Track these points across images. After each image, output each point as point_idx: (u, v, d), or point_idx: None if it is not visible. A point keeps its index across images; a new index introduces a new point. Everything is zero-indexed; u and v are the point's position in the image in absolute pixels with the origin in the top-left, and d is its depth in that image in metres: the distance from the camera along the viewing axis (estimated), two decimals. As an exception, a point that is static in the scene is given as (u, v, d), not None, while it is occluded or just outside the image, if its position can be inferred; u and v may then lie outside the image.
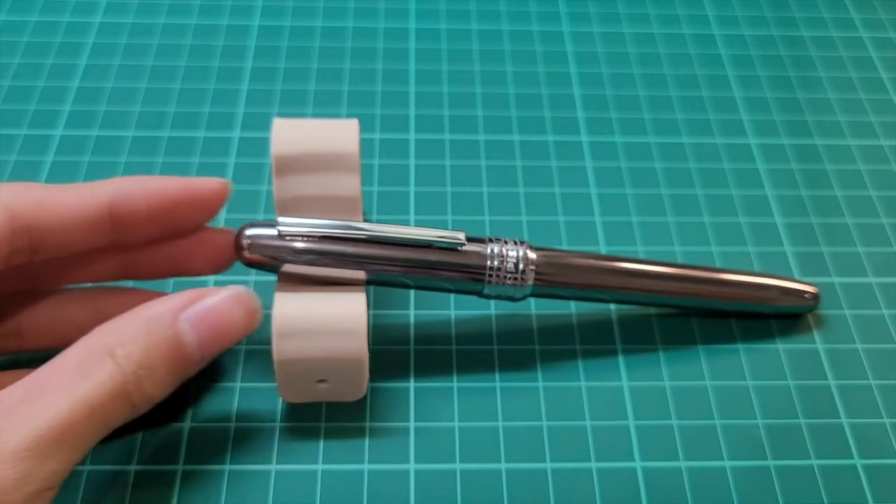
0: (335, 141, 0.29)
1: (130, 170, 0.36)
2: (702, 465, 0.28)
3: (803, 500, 0.28)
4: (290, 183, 0.28)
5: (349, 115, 0.37)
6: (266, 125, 0.37)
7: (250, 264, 0.27)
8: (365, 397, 0.29)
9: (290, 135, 0.29)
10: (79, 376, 0.21)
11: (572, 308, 0.32)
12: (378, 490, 0.27)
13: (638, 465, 0.28)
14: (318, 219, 0.27)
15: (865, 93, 0.42)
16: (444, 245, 0.27)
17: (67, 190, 0.24)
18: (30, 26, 0.42)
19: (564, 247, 0.34)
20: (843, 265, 0.34)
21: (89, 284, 0.28)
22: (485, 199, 0.36)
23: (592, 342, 0.31)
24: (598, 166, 0.37)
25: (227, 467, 0.28)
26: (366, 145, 0.37)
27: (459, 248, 0.27)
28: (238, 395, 0.29)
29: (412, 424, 0.29)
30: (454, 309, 0.32)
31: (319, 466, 0.28)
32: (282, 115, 0.30)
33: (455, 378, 0.30)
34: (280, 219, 0.27)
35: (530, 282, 0.28)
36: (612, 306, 0.32)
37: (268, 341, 0.26)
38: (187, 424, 0.28)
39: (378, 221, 0.27)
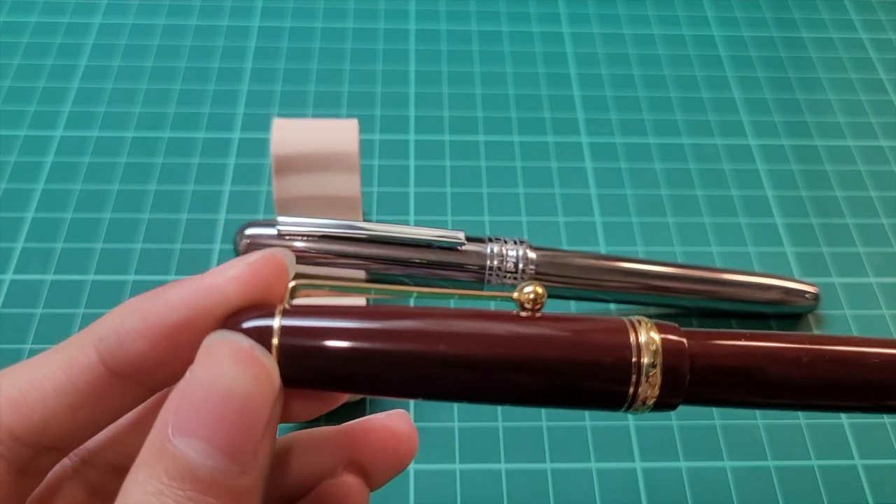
0: (335, 141, 0.29)
1: (130, 170, 0.36)
2: (702, 466, 0.28)
3: (803, 500, 0.28)
4: (289, 183, 0.28)
5: (349, 116, 0.37)
6: (266, 126, 0.37)
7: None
8: (365, 398, 0.29)
9: (289, 135, 0.29)
10: None
11: (572, 308, 0.32)
12: (378, 490, 0.27)
13: (638, 465, 0.28)
14: (318, 218, 0.27)
15: (865, 94, 0.42)
16: (444, 244, 0.27)
17: (41, 366, 0.16)
18: (30, 27, 0.42)
19: (564, 247, 0.34)
20: (843, 265, 0.34)
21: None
22: (485, 199, 0.36)
23: (592, 342, 0.31)
24: (598, 167, 0.37)
25: (227, 467, 0.27)
26: (366, 146, 0.37)
27: (459, 247, 0.27)
28: (238, 395, 0.29)
29: (412, 424, 0.29)
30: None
31: (319, 466, 0.28)
32: (282, 115, 0.30)
33: (455, 378, 0.30)
34: (280, 218, 0.27)
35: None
36: (612, 306, 0.32)
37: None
38: (187, 424, 0.28)
39: (378, 221, 0.27)
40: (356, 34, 0.43)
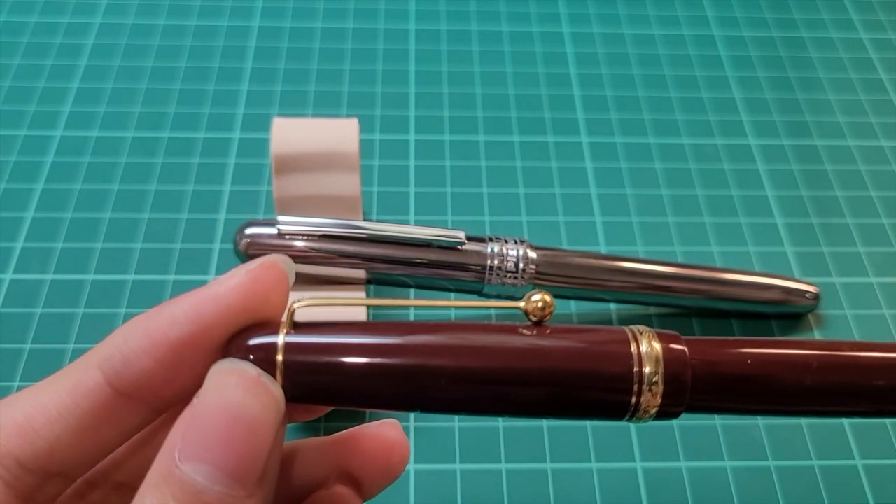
0: (335, 140, 0.29)
1: (130, 170, 0.36)
2: (702, 465, 0.28)
3: (803, 500, 0.28)
4: (289, 182, 0.28)
5: (349, 116, 0.37)
6: (266, 126, 0.37)
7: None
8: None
9: (290, 134, 0.29)
10: None
11: (572, 308, 0.32)
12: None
13: (638, 465, 0.28)
14: (318, 217, 0.27)
15: (865, 94, 0.42)
16: (444, 244, 0.27)
17: (47, 390, 0.16)
18: (30, 27, 0.42)
19: (565, 247, 0.34)
20: (843, 265, 0.34)
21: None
22: (485, 199, 0.36)
23: (592, 342, 0.31)
24: (598, 167, 0.37)
25: (227, 467, 0.27)
26: (366, 146, 0.37)
27: (459, 246, 0.27)
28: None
29: (412, 424, 0.29)
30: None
31: (319, 466, 0.28)
32: (282, 115, 0.30)
33: (455, 378, 0.30)
34: (280, 218, 0.27)
35: (530, 281, 0.28)
36: (613, 306, 0.32)
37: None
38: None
39: (378, 221, 0.27)
40: (356, 34, 0.43)
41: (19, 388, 0.29)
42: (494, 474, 0.28)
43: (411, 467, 0.28)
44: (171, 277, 0.32)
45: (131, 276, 0.32)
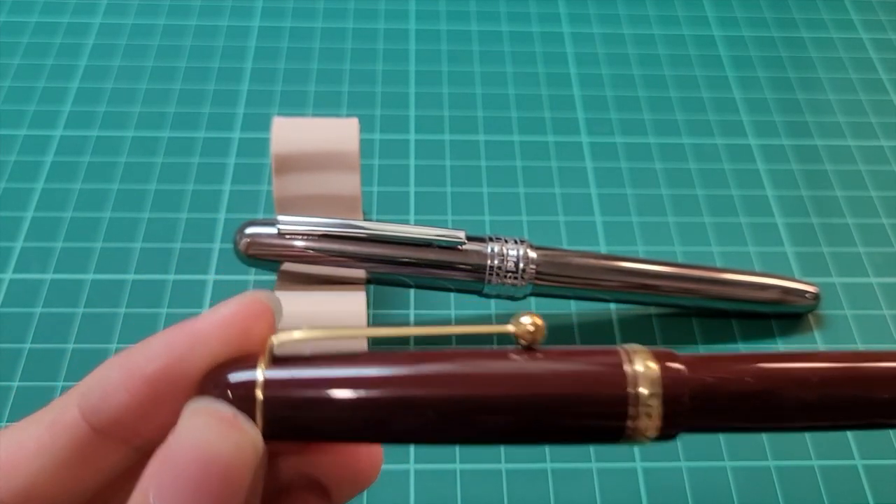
0: (335, 140, 0.29)
1: (130, 170, 0.36)
2: (702, 465, 0.28)
3: (803, 500, 0.28)
4: (289, 181, 0.28)
5: (349, 116, 0.37)
6: (266, 126, 0.37)
7: (250, 263, 0.27)
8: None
9: (290, 133, 0.29)
10: None
11: (572, 307, 0.32)
12: (378, 490, 0.27)
13: (638, 465, 0.28)
14: (318, 217, 0.27)
15: (865, 94, 0.42)
16: (444, 244, 0.27)
17: (27, 427, 0.16)
18: (30, 27, 0.42)
19: (565, 247, 0.34)
20: (843, 265, 0.34)
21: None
22: (485, 199, 0.36)
23: (593, 342, 0.31)
24: (598, 166, 0.37)
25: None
26: (366, 146, 0.37)
27: (459, 246, 0.27)
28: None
29: (412, 424, 0.29)
30: (454, 308, 0.32)
31: (319, 466, 0.28)
32: (282, 115, 0.30)
33: (455, 378, 0.30)
34: (280, 217, 0.27)
35: (531, 281, 0.28)
36: (613, 306, 0.32)
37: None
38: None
39: (378, 221, 0.27)
40: (356, 34, 0.43)
41: (19, 389, 0.29)
42: (494, 474, 0.28)
43: (411, 467, 0.28)
44: (171, 277, 0.32)
45: (131, 276, 0.32)
